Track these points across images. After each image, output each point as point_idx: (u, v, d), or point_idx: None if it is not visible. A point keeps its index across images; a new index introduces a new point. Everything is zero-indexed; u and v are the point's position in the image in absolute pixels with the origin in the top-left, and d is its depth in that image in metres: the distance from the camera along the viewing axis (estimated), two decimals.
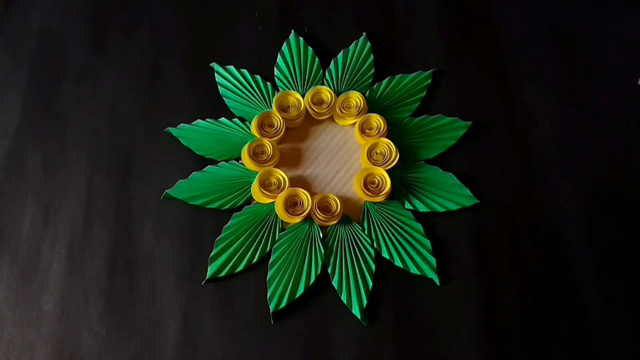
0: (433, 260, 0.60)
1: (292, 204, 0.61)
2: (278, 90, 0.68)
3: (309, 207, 0.60)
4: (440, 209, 0.62)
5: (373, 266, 0.60)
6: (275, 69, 0.69)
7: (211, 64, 0.69)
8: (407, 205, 0.62)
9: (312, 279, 0.59)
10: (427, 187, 0.63)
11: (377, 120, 0.65)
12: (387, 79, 0.69)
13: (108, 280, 0.59)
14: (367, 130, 0.65)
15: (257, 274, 0.60)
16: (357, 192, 0.63)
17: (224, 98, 0.67)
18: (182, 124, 0.66)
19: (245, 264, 0.60)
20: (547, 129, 0.67)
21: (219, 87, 0.68)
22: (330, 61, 0.69)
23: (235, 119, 0.66)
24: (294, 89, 0.68)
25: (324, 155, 0.65)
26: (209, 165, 0.64)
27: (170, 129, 0.65)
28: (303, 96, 0.66)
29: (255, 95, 0.67)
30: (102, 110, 0.67)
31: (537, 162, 0.66)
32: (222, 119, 0.66)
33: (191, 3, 0.73)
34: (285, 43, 0.70)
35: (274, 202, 0.61)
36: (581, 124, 0.68)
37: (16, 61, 0.70)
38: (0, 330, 0.57)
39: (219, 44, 0.71)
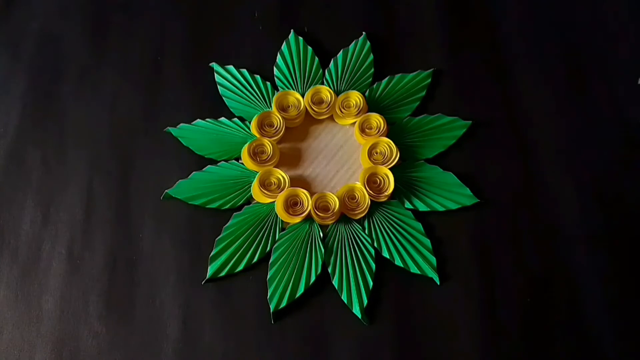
0: (433, 260, 0.60)
1: (292, 204, 0.61)
2: (278, 90, 0.68)
3: (309, 207, 0.60)
4: (441, 208, 0.62)
5: (373, 265, 0.60)
6: (275, 68, 0.69)
7: (211, 64, 0.69)
8: (407, 205, 0.62)
9: (313, 279, 0.59)
10: (427, 187, 0.63)
11: (377, 119, 0.65)
12: (386, 79, 0.69)
13: (108, 280, 0.59)
14: (367, 130, 0.65)
15: (257, 274, 0.60)
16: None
17: (223, 98, 0.67)
18: (182, 124, 0.66)
19: (245, 264, 0.60)
20: (547, 129, 0.67)
21: (218, 87, 0.68)
22: (330, 61, 0.69)
23: (235, 119, 0.66)
24: (293, 89, 0.68)
25: (324, 155, 0.65)
26: (209, 165, 0.64)
27: (170, 129, 0.65)
28: (303, 96, 0.66)
29: (255, 95, 0.67)
30: (102, 110, 0.67)
31: (537, 162, 0.66)
32: (222, 118, 0.66)
33: (191, 3, 0.74)
34: (285, 43, 0.70)
35: (274, 202, 0.61)
36: (581, 124, 0.68)
37: (16, 61, 0.70)
38: (0, 330, 0.57)
39: (219, 44, 0.71)
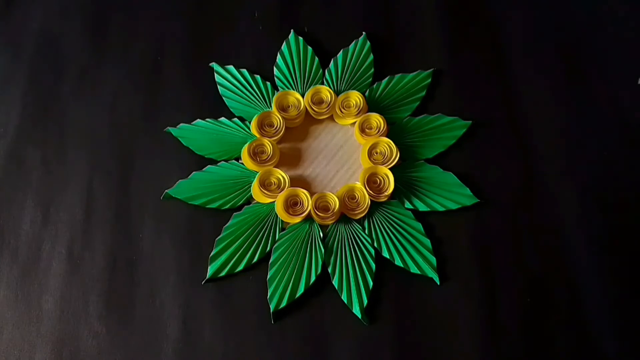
0: (433, 260, 0.60)
1: (292, 204, 0.61)
2: (278, 90, 0.68)
3: (309, 207, 0.60)
4: (441, 208, 0.62)
5: (373, 265, 0.60)
6: (274, 68, 0.69)
7: (211, 64, 0.69)
8: (407, 205, 0.62)
9: (313, 279, 0.59)
10: (427, 187, 0.63)
11: (377, 119, 0.65)
12: (386, 79, 0.69)
13: (108, 280, 0.59)
14: (367, 130, 0.65)
15: (257, 274, 0.60)
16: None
17: (223, 98, 0.67)
18: (182, 124, 0.66)
19: (245, 264, 0.60)
20: (547, 129, 0.67)
21: (218, 87, 0.68)
22: (330, 61, 0.69)
23: (235, 119, 0.66)
24: (293, 89, 0.68)
25: (324, 155, 0.65)
26: (209, 165, 0.64)
27: (170, 129, 0.65)
28: (303, 96, 0.66)
29: (255, 95, 0.67)
30: (102, 110, 0.67)
31: (537, 162, 0.66)
32: (222, 118, 0.66)
33: (191, 3, 0.74)
34: (284, 43, 0.70)
35: (274, 201, 0.61)
36: (581, 124, 0.68)
37: (16, 61, 0.70)
38: (0, 330, 0.57)
39: (219, 44, 0.71)
